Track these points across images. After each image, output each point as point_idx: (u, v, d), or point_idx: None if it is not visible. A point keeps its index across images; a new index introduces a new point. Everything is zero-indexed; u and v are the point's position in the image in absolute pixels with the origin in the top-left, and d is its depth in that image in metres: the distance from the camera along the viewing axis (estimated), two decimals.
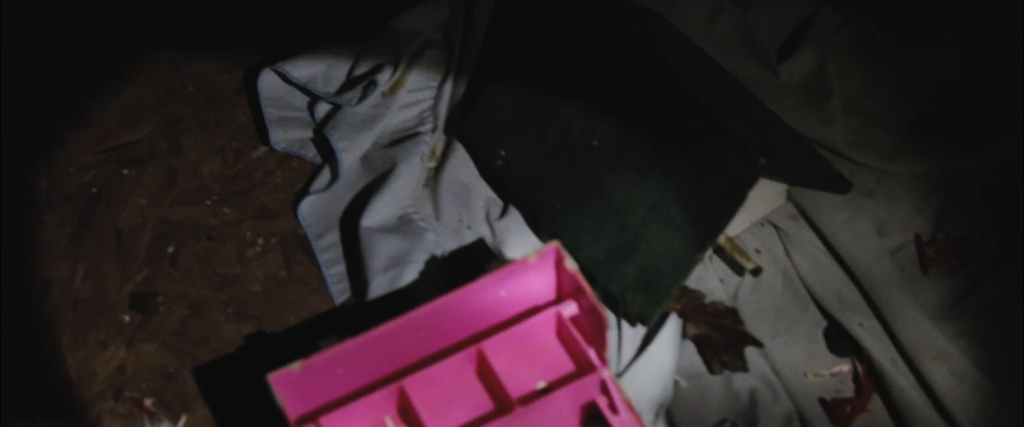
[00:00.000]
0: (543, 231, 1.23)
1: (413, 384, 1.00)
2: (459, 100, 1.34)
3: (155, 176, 1.33)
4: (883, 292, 1.18)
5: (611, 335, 1.14)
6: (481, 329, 1.04)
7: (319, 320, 1.21)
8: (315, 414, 0.99)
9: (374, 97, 1.32)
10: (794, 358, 1.16)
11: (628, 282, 1.12)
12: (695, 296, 1.18)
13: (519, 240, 1.23)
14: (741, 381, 1.14)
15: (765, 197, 1.23)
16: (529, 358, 1.05)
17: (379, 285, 1.18)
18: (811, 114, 1.30)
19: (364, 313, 1.18)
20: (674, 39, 1.28)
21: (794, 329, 1.19)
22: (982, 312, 1.17)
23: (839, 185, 1.21)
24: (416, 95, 1.35)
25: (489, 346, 1.02)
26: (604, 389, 1.02)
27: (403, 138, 1.32)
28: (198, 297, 1.23)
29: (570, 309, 1.03)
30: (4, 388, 1.17)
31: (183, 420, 1.15)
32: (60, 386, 1.17)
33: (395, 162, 1.28)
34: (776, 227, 1.25)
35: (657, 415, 1.11)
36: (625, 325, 1.16)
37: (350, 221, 1.26)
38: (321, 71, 1.35)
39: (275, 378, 0.95)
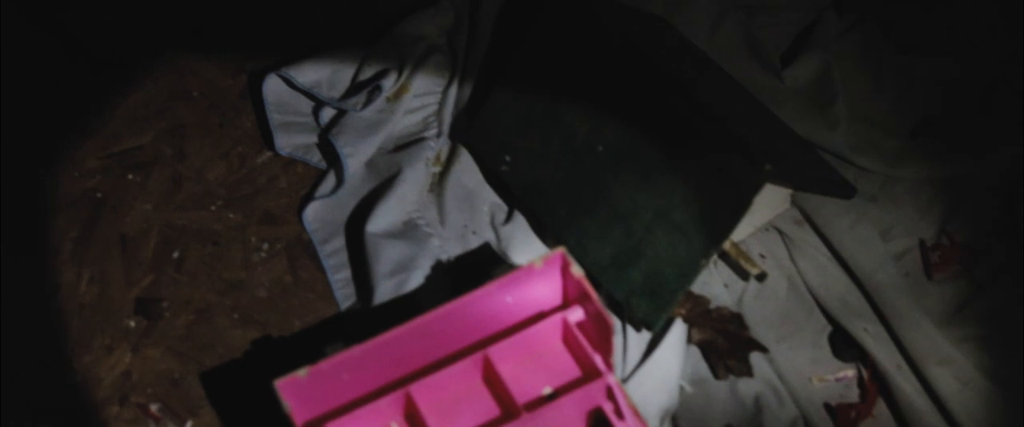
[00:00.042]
0: (548, 236, 1.23)
1: (419, 390, 1.00)
2: (464, 105, 1.34)
3: (160, 181, 1.34)
4: (887, 297, 1.18)
5: (616, 340, 1.14)
6: (487, 335, 1.04)
7: (325, 325, 1.21)
8: (321, 420, 0.99)
9: (379, 102, 1.33)
10: (799, 363, 1.17)
11: (633, 287, 1.12)
12: (700, 301, 1.19)
13: (524, 245, 1.23)
14: (746, 386, 1.14)
15: (770, 202, 1.23)
16: (535, 364, 1.05)
17: (385, 290, 1.18)
18: (815, 119, 1.30)
19: (370, 318, 1.18)
20: (679, 44, 1.28)
21: (799, 334, 1.19)
22: (986, 317, 1.17)
23: (843, 190, 1.21)
24: (421, 100, 1.35)
25: (495, 352, 1.02)
26: (610, 395, 1.02)
27: (408, 143, 1.33)
28: (203, 302, 1.23)
29: (576, 315, 1.03)
30: (9, 393, 1.17)
31: (189, 425, 1.15)
32: (66, 391, 1.18)
33: (400, 167, 1.28)
34: (780, 232, 1.25)
35: (662, 421, 1.11)
36: (630, 330, 1.16)
37: (355, 226, 1.26)
38: (326, 76, 1.35)
39: (282, 384, 0.95)
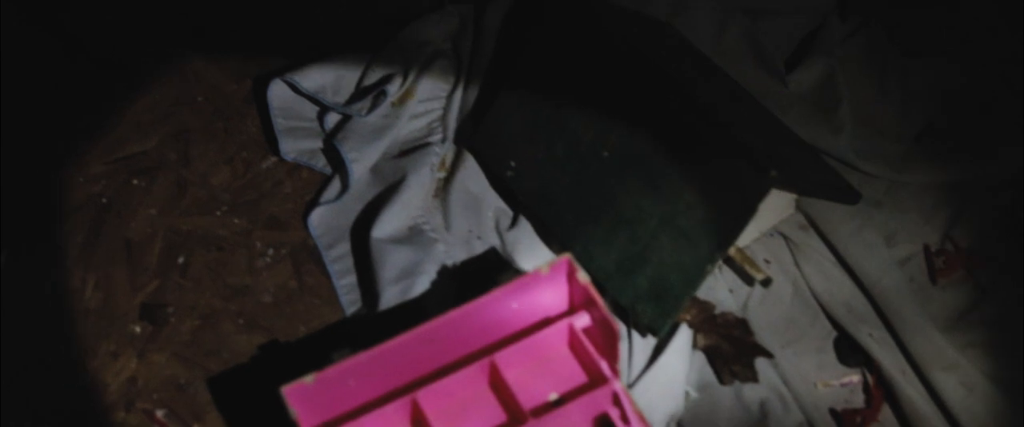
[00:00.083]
0: (553, 242, 1.24)
1: (426, 396, 1.00)
2: (469, 110, 1.34)
3: (165, 186, 1.34)
4: (892, 302, 1.18)
5: (622, 346, 1.14)
6: (493, 341, 1.04)
7: (330, 331, 1.21)
8: (328, 426, 0.99)
9: (384, 107, 1.33)
10: (804, 368, 1.17)
11: (639, 293, 1.12)
12: (705, 307, 1.19)
13: (529, 250, 1.23)
14: (751, 392, 1.14)
15: (774, 207, 1.23)
16: (541, 370, 1.05)
17: (390, 296, 1.18)
18: (819, 124, 1.30)
19: (375, 324, 1.18)
20: (683, 49, 1.28)
21: (804, 339, 1.19)
22: (991, 322, 1.17)
23: (848, 196, 1.22)
24: (426, 105, 1.35)
25: (502, 358, 1.02)
26: (616, 401, 1.02)
27: (413, 148, 1.33)
28: (208, 308, 1.23)
29: (582, 321, 1.04)
30: (12, 399, 1.17)
31: None
32: (71, 397, 1.18)
33: (405, 173, 1.28)
34: (785, 237, 1.25)
35: (668, 426, 1.11)
36: (635, 336, 1.16)
37: (360, 232, 1.26)
38: (330, 81, 1.35)
39: (289, 391, 0.95)
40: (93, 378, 1.19)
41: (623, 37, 1.17)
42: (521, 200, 1.24)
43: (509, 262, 1.22)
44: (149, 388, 1.18)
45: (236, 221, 1.30)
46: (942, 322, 1.18)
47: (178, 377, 1.19)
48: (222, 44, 1.46)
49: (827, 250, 1.23)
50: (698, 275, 1.09)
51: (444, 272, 1.21)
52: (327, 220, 1.28)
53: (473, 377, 1.02)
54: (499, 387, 1.03)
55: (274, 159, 1.35)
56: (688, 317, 1.17)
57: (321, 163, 1.34)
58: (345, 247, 1.26)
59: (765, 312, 1.20)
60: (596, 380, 1.03)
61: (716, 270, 1.22)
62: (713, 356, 1.16)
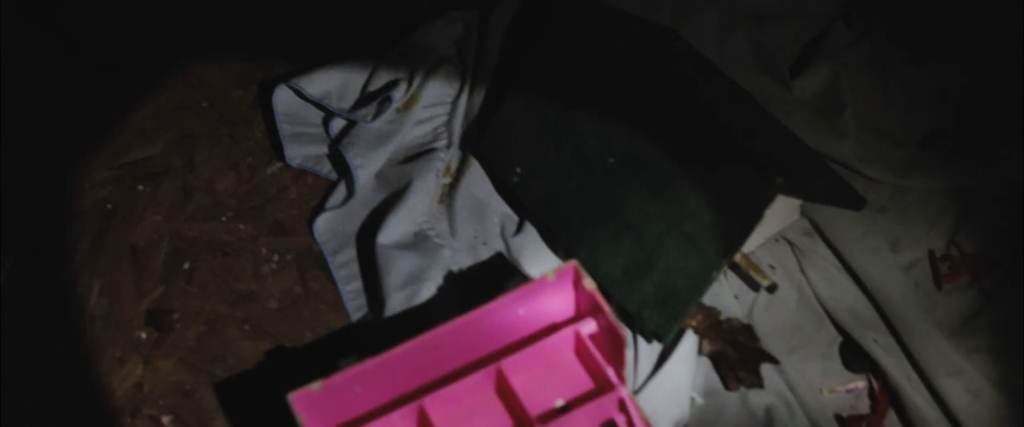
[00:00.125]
0: (559, 247, 1.24)
1: (433, 403, 1.00)
2: (474, 116, 1.34)
3: (170, 192, 1.34)
4: (897, 308, 1.18)
5: (627, 352, 1.14)
6: (500, 347, 1.04)
7: (336, 337, 1.21)
8: None
9: (389, 113, 1.33)
10: (810, 374, 1.17)
11: (645, 299, 1.12)
12: (711, 313, 1.19)
13: (535, 256, 1.23)
14: (757, 398, 1.15)
15: (780, 213, 1.23)
16: (548, 376, 1.06)
17: (396, 302, 1.18)
18: (824, 130, 1.30)
19: (381, 330, 1.18)
20: (689, 55, 1.28)
21: (809, 345, 1.19)
22: (996, 328, 1.17)
23: (853, 201, 1.22)
24: (430, 111, 1.36)
25: (508, 365, 1.02)
26: (622, 407, 1.02)
27: (418, 154, 1.33)
28: (214, 314, 1.24)
29: (589, 327, 1.04)
30: (20, 406, 1.17)
31: None
32: (77, 403, 1.18)
33: (410, 178, 1.28)
34: (790, 243, 1.25)
35: None
36: (641, 342, 1.16)
37: (366, 238, 1.26)
38: (336, 87, 1.35)
39: (295, 397, 0.95)
40: (99, 384, 1.19)
41: (628, 43, 1.17)
42: (527, 206, 1.24)
43: (515, 268, 1.22)
44: (155, 394, 1.18)
45: (241, 227, 1.31)
46: (947, 328, 1.18)
47: (184, 383, 1.19)
48: (222, 45, 1.46)
49: (832, 256, 1.24)
50: (704, 281, 1.09)
51: (450, 278, 1.21)
52: (333, 226, 1.28)
53: (480, 383, 1.02)
54: (506, 393, 1.03)
55: (279, 165, 1.36)
56: (693, 323, 1.17)
57: (326, 169, 1.34)
58: (351, 253, 1.26)
59: (770, 318, 1.20)
60: (602, 386, 1.03)
61: (721, 276, 1.22)
62: (719, 362, 1.16)
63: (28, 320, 1.23)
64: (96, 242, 1.29)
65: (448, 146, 1.33)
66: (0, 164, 1.34)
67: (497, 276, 1.22)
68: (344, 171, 1.31)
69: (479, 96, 1.35)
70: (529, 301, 1.02)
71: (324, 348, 1.21)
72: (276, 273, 1.27)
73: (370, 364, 0.96)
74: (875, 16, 1.41)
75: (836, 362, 1.18)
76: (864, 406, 1.15)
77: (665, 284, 1.11)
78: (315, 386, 0.95)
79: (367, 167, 1.29)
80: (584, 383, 1.05)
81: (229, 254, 1.28)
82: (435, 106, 1.36)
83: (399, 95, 1.33)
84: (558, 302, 1.04)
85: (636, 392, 1.12)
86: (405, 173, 1.30)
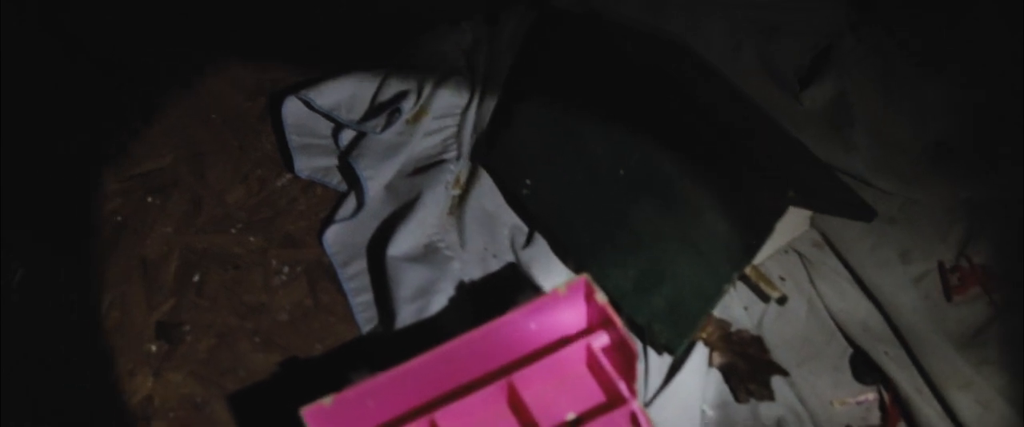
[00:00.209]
0: (569, 260, 1.24)
1: (444, 416, 1.00)
2: (484, 127, 1.34)
3: (180, 204, 1.34)
4: (907, 320, 1.18)
5: (638, 365, 1.14)
6: (512, 361, 1.04)
7: (346, 349, 1.21)
8: None
9: (398, 124, 1.33)
10: (820, 386, 1.17)
11: (656, 312, 1.12)
12: (721, 325, 1.19)
13: (545, 269, 1.23)
14: (768, 410, 1.14)
15: (789, 224, 1.23)
16: (559, 389, 1.05)
17: (406, 315, 1.19)
18: (833, 141, 1.30)
19: (391, 342, 1.19)
20: (699, 67, 1.29)
21: (819, 357, 1.19)
22: (1006, 340, 1.17)
23: (863, 213, 1.22)
24: (440, 122, 1.36)
25: (520, 378, 1.02)
26: (634, 421, 1.02)
27: (427, 166, 1.33)
28: (225, 326, 1.24)
29: (601, 340, 1.04)
30: (29, 420, 1.17)
31: None
32: (88, 417, 1.18)
33: (420, 190, 1.29)
34: (800, 254, 1.25)
35: None
36: (652, 354, 1.16)
37: (376, 250, 1.26)
38: (345, 98, 1.35)
39: (307, 412, 0.95)
40: (110, 397, 1.19)
41: (639, 55, 1.18)
42: (537, 218, 1.24)
43: (525, 280, 1.22)
44: (166, 407, 1.18)
45: (251, 239, 1.31)
46: (957, 340, 1.17)
47: (195, 396, 1.19)
48: (223, 45, 1.47)
49: (842, 268, 1.24)
50: (715, 294, 1.09)
51: (460, 290, 1.21)
52: (342, 238, 1.28)
53: (492, 397, 1.02)
54: (517, 407, 1.03)
55: (289, 176, 1.36)
56: (703, 335, 1.17)
57: (336, 180, 1.35)
58: (361, 265, 1.26)
59: (780, 330, 1.20)
60: (614, 400, 1.03)
61: (731, 288, 1.22)
62: (729, 374, 1.16)
63: (38, 333, 1.23)
64: (106, 254, 1.30)
65: (458, 157, 1.33)
66: (5, 175, 1.34)
67: (507, 288, 1.23)
68: (354, 183, 1.31)
69: (489, 107, 1.35)
70: (541, 315, 1.02)
71: (334, 360, 1.21)
72: (286, 285, 1.27)
73: (382, 378, 0.96)
74: (884, 27, 1.41)
75: (846, 374, 1.18)
76: (874, 418, 1.15)
77: (676, 297, 1.11)
78: (327, 401, 0.95)
79: (377, 179, 1.29)
80: (596, 396, 1.05)
81: (239, 266, 1.29)
82: (444, 117, 1.36)
83: (408, 106, 1.33)
84: (570, 315, 1.04)
85: (647, 405, 1.12)
86: (415, 185, 1.30)
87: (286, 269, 1.28)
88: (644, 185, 1.14)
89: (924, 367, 1.15)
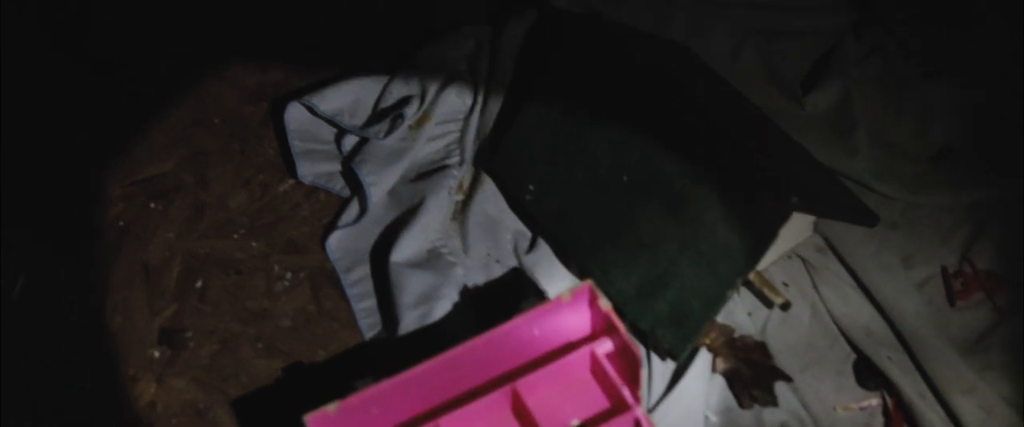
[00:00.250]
0: (572, 265, 1.24)
1: (449, 423, 1.00)
2: (487, 133, 1.34)
3: (182, 209, 1.34)
4: (910, 325, 1.18)
5: (641, 370, 1.14)
6: (515, 367, 1.04)
7: (349, 355, 1.21)
8: None
9: (401, 130, 1.33)
10: (823, 392, 1.17)
11: (659, 318, 1.12)
12: (724, 330, 1.19)
13: (548, 274, 1.23)
14: (771, 416, 1.14)
15: (793, 230, 1.23)
16: (563, 395, 1.06)
17: (410, 321, 1.18)
18: (836, 146, 1.30)
19: (394, 348, 1.18)
20: (701, 72, 1.29)
21: (823, 363, 1.19)
22: (1009, 345, 1.17)
23: (866, 218, 1.22)
24: (443, 128, 1.36)
25: (524, 384, 1.02)
26: None
27: (430, 171, 1.33)
28: (227, 332, 1.24)
29: (604, 347, 1.04)
30: (31, 420, 1.17)
31: None
32: (88, 417, 1.18)
33: (423, 196, 1.28)
34: (803, 260, 1.25)
35: None
36: (655, 359, 1.16)
37: (379, 256, 1.26)
38: (348, 104, 1.35)
39: (311, 419, 0.95)
40: (112, 403, 1.19)
41: (641, 60, 1.17)
42: (540, 223, 1.24)
43: (528, 285, 1.22)
44: (169, 413, 1.18)
45: (254, 244, 1.31)
46: (960, 345, 1.17)
47: (197, 402, 1.19)
48: (223, 45, 1.47)
49: (845, 273, 1.24)
50: (719, 300, 1.09)
51: (463, 296, 1.21)
52: (345, 243, 1.28)
53: (496, 404, 1.02)
54: (522, 413, 1.03)
55: (291, 182, 1.36)
56: (707, 341, 1.17)
57: (338, 186, 1.34)
58: (364, 271, 1.26)
59: (784, 335, 1.20)
60: (618, 406, 1.03)
61: (735, 293, 1.22)
62: (732, 380, 1.16)
63: (40, 339, 1.23)
64: (108, 259, 1.30)
65: (461, 163, 1.33)
66: (5, 176, 1.34)
67: (510, 294, 1.22)
68: (357, 188, 1.31)
69: (491, 113, 1.35)
70: (544, 321, 1.02)
71: (338, 366, 1.21)
72: (289, 291, 1.27)
73: (386, 384, 0.96)
74: (886, 31, 1.41)
75: (850, 379, 1.18)
76: (878, 424, 1.15)
77: (679, 303, 1.11)
78: (331, 408, 0.95)
79: (380, 184, 1.29)
80: (599, 402, 1.05)
81: (242, 272, 1.28)
82: (447, 123, 1.36)
83: (411, 112, 1.33)
84: (573, 322, 1.04)
85: (650, 410, 1.12)
86: (418, 190, 1.30)
87: (289, 275, 1.28)
88: (647, 190, 1.14)
89: (927, 372, 1.15)
